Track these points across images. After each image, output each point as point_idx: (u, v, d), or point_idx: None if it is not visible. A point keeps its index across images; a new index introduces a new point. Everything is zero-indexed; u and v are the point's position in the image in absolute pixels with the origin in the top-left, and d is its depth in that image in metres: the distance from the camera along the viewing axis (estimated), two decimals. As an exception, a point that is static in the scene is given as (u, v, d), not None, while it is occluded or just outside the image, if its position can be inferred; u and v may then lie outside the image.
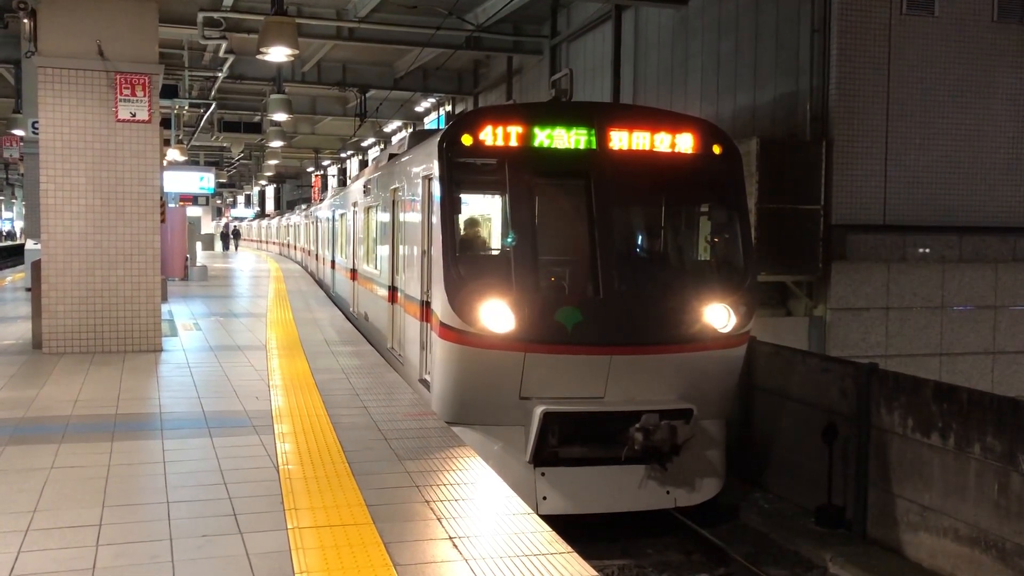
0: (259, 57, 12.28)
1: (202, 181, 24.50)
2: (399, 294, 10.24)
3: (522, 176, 7.90)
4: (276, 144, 29.72)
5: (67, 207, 9.52)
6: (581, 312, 7.59)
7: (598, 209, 7.90)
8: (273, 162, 41.79)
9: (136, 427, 6.54)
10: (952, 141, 12.26)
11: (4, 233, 73.13)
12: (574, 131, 7.99)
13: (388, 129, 34.04)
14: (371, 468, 5.54)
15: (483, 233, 9.86)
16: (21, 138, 20.04)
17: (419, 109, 29.61)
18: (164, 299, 13.08)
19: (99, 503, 4.82)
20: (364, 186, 14.08)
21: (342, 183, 36.80)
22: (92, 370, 8.70)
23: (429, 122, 30.41)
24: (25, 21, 9.70)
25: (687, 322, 7.85)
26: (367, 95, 26.50)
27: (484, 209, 10.23)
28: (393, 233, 10.72)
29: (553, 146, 7.96)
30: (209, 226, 47.54)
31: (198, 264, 23.22)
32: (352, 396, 7.74)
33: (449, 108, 27.96)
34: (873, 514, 8.04)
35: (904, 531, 7.72)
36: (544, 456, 7.66)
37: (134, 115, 9.61)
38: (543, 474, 7.69)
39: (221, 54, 20.66)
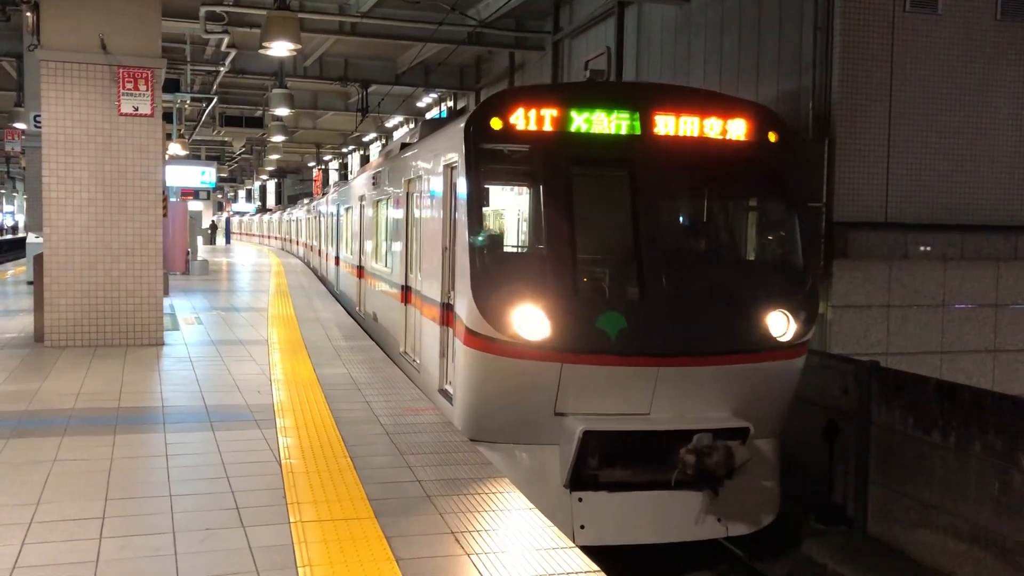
0: (261, 52, 12.28)
1: (203, 175, 24.46)
2: (413, 294, 9.41)
3: (558, 165, 7.10)
4: (277, 139, 29.71)
5: (69, 201, 9.53)
6: (625, 318, 6.78)
7: (643, 202, 7.11)
8: (274, 157, 41.70)
9: (138, 421, 6.56)
10: (955, 139, 12.24)
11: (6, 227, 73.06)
12: (615, 114, 7.17)
13: (389, 124, 34.02)
14: (373, 462, 5.56)
15: (514, 229, 8.98)
16: (23, 132, 20.03)
17: (421, 104, 29.59)
18: (166, 293, 13.10)
19: (102, 496, 4.83)
20: (372, 178, 13.24)
21: (344, 177, 36.80)
22: (94, 363, 8.71)
23: (431, 117, 30.39)
24: (28, 14, 9.72)
25: (742, 330, 7.05)
26: (369, 90, 26.47)
27: (515, 202, 9.32)
28: (407, 228, 9.89)
29: (592, 131, 7.15)
30: (208, 221, 47.36)
31: (199, 258, 23.24)
32: (353, 390, 7.75)
33: (451, 103, 27.94)
34: (874, 511, 8.05)
35: (905, 529, 7.73)
36: (582, 480, 6.78)
37: (136, 109, 9.62)
38: (580, 500, 6.79)
39: (223, 48, 20.64)
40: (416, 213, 9.46)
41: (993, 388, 10.76)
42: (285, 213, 43.56)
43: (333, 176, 43.76)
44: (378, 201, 12.52)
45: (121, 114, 9.59)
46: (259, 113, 31.63)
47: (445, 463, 5.61)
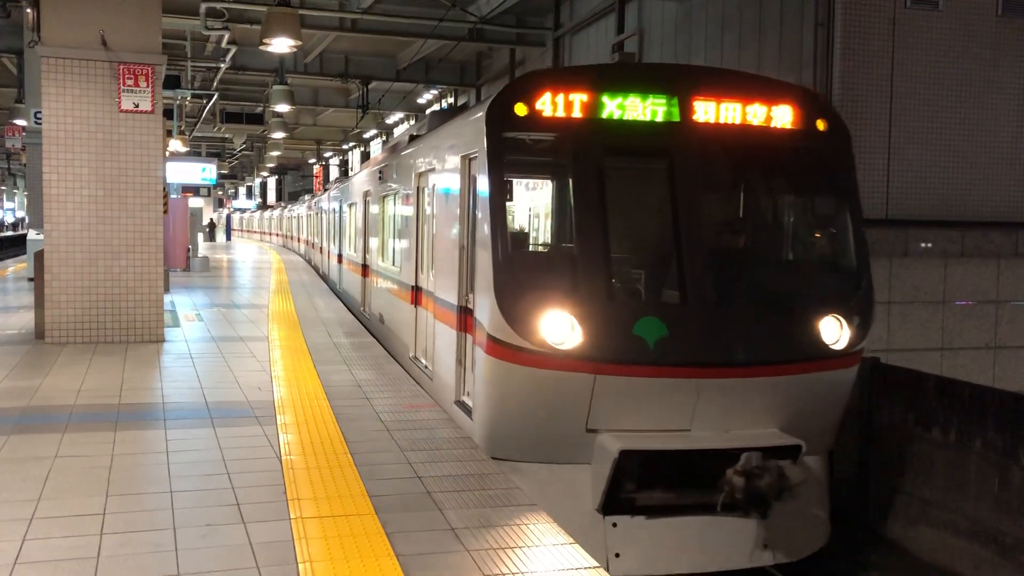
0: (261, 48, 12.27)
1: (204, 172, 24.45)
2: (425, 296, 8.79)
3: (589, 154, 6.48)
4: (278, 135, 29.69)
5: (70, 197, 9.53)
6: (664, 324, 6.14)
7: (682, 196, 6.45)
8: (275, 153, 41.72)
9: (139, 417, 6.57)
10: (955, 135, 12.24)
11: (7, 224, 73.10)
12: (651, 99, 6.55)
13: (390, 121, 34.01)
14: (373, 459, 5.57)
15: (541, 226, 8.36)
16: (24, 128, 20.04)
17: (421, 101, 29.57)
18: (166, 290, 13.11)
19: (103, 492, 4.84)
20: (379, 172, 12.55)
21: (345, 174, 36.77)
22: (95, 360, 8.72)
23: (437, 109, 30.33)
24: (28, 10, 9.74)
25: (793, 337, 6.44)
26: (369, 87, 26.47)
27: (542, 196, 8.58)
28: (417, 225, 9.24)
29: (626, 117, 6.52)
30: (210, 217, 47.38)
31: (200, 255, 23.25)
32: (354, 387, 7.75)
33: (451, 100, 27.93)
34: (874, 508, 8.06)
35: (905, 525, 7.74)
36: (617, 503, 6.15)
37: (137, 105, 9.62)
38: (615, 525, 6.17)
39: (223, 45, 20.63)
40: (428, 209, 8.83)
41: (993, 384, 10.76)
42: (286, 210, 43.44)
43: (334, 173, 43.74)
44: (384, 197, 11.98)
45: (122, 110, 9.60)
46: (260, 110, 31.61)
47: (445, 459, 5.62)
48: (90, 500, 4.70)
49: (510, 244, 6.38)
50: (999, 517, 6.84)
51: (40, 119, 10.27)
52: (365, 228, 14.02)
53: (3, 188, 75.49)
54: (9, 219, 75.59)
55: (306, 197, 37.76)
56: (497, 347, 6.16)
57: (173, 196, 20.66)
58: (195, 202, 24.91)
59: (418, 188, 9.29)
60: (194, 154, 33.47)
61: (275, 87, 21.84)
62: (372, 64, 25.18)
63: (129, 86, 9.57)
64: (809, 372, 6.41)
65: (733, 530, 6.24)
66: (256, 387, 7.66)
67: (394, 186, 11.10)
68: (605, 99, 6.48)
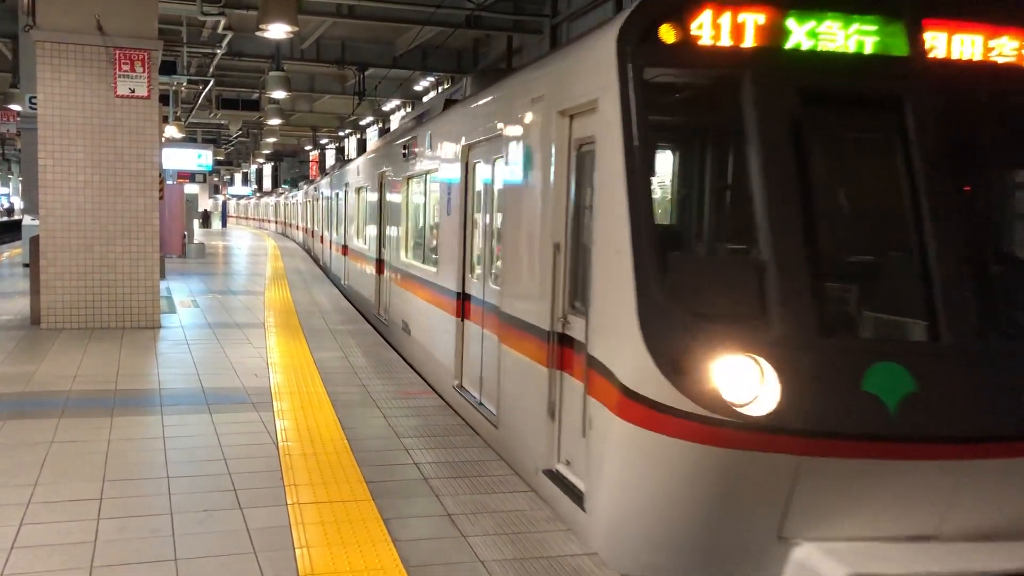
0: (258, 34, 12.19)
1: (200, 158, 24.43)
2: (478, 309, 6.81)
3: (779, 105, 4.20)
4: (274, 122, 29.58)
5: (65, 183, 9.51)
6: (912, 375, 3.94)
7: (926, 171, 4.24)
8: (271, 140, 41.63)
9: (135, 403, 6.57)
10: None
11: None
12: (858, 24, 4.34)
13: (386, 108, 33.93)
14: (370, 445, 5.58)
15: (703, 217, 5.28)
16: (18, 113, 19.97)
17: (418, 88, 29.51)
18: (162, 276, 13.10)
19: (100, 477, 4.85)
20: (403, 148, 10.22)
21: (340, 161, 36.67)
22: (91, 346, 8.72)
23: (426, 100, 30.27)
24: (23, -5, 9.67)
25: None
26: (366, 73, 26.41)
27: (698, 170, 5.25)
28: (464, 214, 7.31)
29: (826, 48, 4.31)
30: (205, 204, 47.37)
31: (195, 241, 23.23)
32: (350, 373, 7.76)
33: (448, 86, 27.87)
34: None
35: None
36: None
37: (133, 91, 9.59)
38: None
39: (220, 30, 20.53)
40: (483, 193, 6.93)
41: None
42: (284, 196, 43.09)
43: (330, 160, 43.62)
44: (410, 177, 9.89)
45: (118, 96, 9.57)
46: (256, 96, 31.50)
47: (442, 446, 5.64)
48: (87, 485, 4.71)
49: (662, 247, 4.13)
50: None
51: (35, 104, 10.21)
52: (381, 216, 11.89)
53: (-2, 173, 75.25)
54: (4, 204, 75.41)
55: (304, 183, 37.59)
56: (640, 409, 4.02)
57: (169, 182, 20.62)
58: (191, 188, 24.88)
59: (466, 165, 7.32)
60: (190, 140, 33.39)
61: (271, 73, 21.74)
62: (369, 51, 25.10)
63: (125, 71, 9.54)
64: None
65: None
66: (252, 373, 7.67)
67: (426, 163, 9.00)
68: (793, 22, 4.29)
